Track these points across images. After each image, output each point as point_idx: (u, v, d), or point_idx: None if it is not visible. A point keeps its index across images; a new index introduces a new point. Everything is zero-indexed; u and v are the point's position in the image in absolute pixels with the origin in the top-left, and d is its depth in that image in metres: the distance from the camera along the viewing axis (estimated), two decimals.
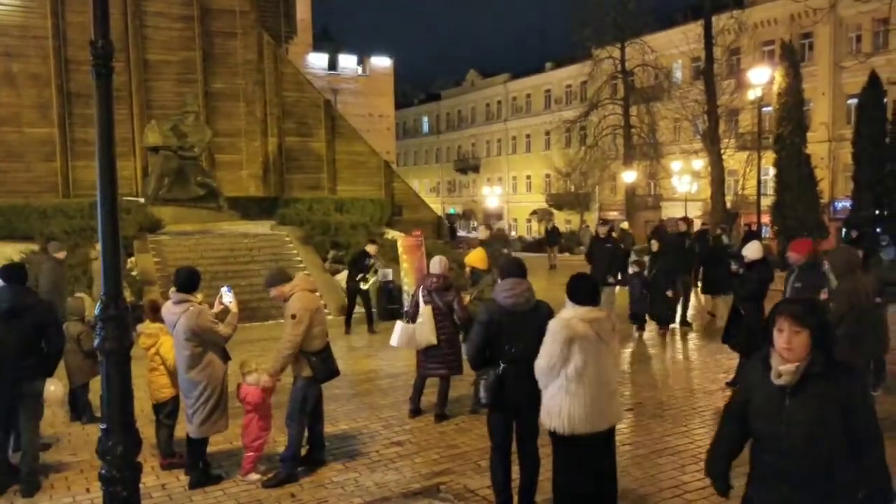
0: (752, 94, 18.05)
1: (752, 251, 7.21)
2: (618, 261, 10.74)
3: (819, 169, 20.94)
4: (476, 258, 7.13)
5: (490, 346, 4.02)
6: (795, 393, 2.33)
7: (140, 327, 5.38)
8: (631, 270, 10.53)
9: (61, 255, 8.87)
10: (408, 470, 5.10)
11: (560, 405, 3.61)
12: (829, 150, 27.91)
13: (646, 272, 10.21)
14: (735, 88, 25.64)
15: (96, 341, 3.40)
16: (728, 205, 24.42)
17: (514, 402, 3.99)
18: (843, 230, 17.53)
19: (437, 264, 6.37)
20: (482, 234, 15.28)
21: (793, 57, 20.20)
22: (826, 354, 2.32)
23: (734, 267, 8.90)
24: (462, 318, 6.13)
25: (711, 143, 23.76)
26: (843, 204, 24.81)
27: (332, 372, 5.07)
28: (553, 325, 3.63)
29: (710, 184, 24.22)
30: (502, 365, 3.95)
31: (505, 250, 14.04)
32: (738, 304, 7.10)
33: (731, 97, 25.69)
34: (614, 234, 12.23)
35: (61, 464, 5.35)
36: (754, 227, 19.17)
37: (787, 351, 2.32)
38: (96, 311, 3.40)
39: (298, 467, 4.96)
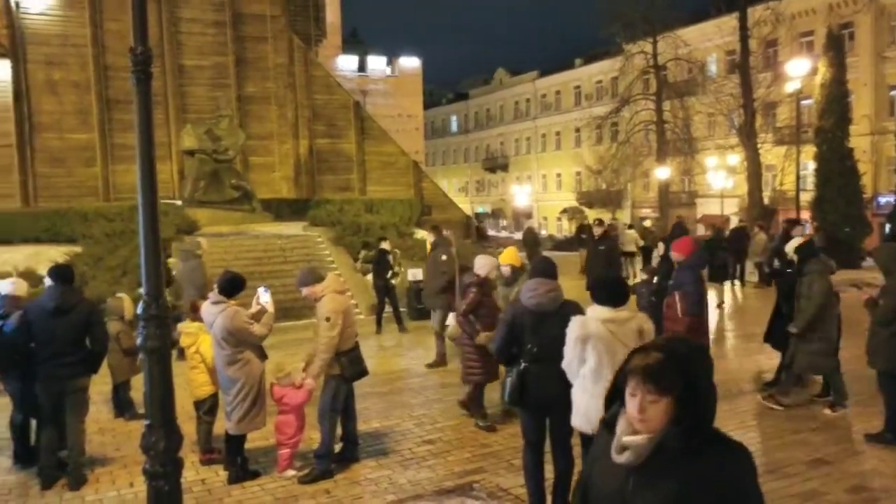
0: (791, 87, 17.52)
1: (795, 247, 7.00)
2: (615, 264, 9.92)
3: (861, 163, 20.14)
4: (509, 257, 7.08)
5: (514, 345, 4.10)
6: (642, 471, 1.67)
7: (180, 326, 5.52)
8: (641, 277, 9.22)
9: (201, 252, 9.46)
10: (440, 468, 5.12)
11: (579, 403, 3.67)
12: (871, 143, 27.01)
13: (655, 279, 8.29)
14: (772, 81, 24.96)
15: (139, 340, 3.49)
16: (766, 201, 23.79)
17: (539, 401, 4.01)
18: (888, 226, 16.91)
19: (477, 263, 6.45)
20: (427, 237, 10.35)
21: (837, 46, 19.36)
22: (695, 422, 1.65)
23: (776, 264, 8.65)
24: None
25: (747, 138, 23.19)
26: (887, 199, 23.95)
27: (361, 371, 5.14)
28: (570, 324, 3.69)
29: (747, 179, 23.63)
30: (523, 364, 4.02)
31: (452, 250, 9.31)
32: (779, 302, 6.90)
33: (768, 90, 25.01)
34: (634, 231, 11.57)
35: (106, 458, 5.52)
36: None
37: (640, 422, 1.68)
38: (138, 311, 3.49)
39: (332, 464, 5.02)
